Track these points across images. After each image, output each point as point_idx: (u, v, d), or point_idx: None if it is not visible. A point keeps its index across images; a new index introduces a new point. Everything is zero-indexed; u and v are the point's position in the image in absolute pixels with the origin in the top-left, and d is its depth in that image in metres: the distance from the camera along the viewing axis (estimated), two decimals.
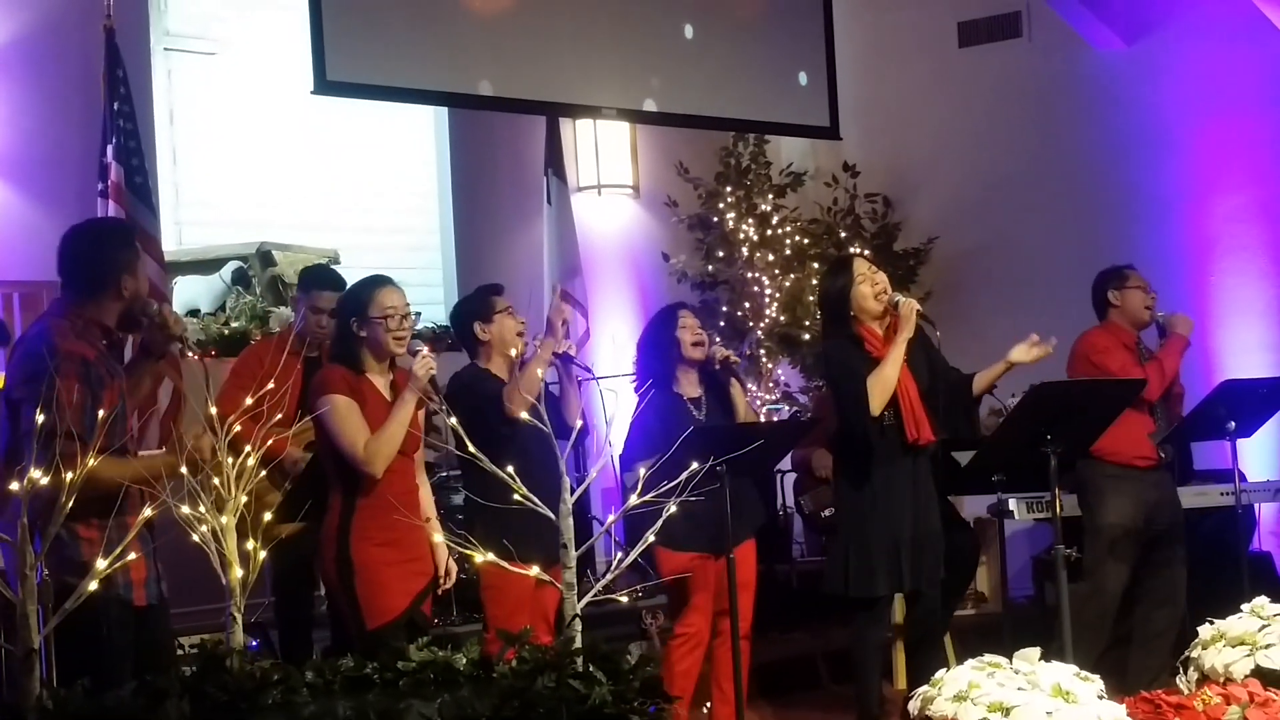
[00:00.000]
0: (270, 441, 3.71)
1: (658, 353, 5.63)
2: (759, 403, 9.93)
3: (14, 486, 3.31)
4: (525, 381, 5.09)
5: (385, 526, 4.64)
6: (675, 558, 5.36)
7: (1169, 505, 6.43)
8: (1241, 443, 6.41)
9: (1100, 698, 4.19)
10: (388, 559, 4.70)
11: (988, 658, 4.35)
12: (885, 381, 5.52)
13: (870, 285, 5.66)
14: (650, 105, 8.70)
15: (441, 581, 4.92)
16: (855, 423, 5.63)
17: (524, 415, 4.96)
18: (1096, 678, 4.22)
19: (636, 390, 5.60)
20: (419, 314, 4.96)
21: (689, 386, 5.63)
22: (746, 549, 5.62)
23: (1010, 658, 4.35)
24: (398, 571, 4.72)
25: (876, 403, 5.52)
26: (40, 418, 3.52)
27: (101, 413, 3.88)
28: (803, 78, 9.32)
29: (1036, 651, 4.35)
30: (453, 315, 5.66)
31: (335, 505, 4.74)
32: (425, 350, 4.86)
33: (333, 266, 7.82)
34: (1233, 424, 6.29)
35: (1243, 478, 6.57)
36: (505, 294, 5.54)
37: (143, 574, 4.15)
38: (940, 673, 4.38)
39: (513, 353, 5.19)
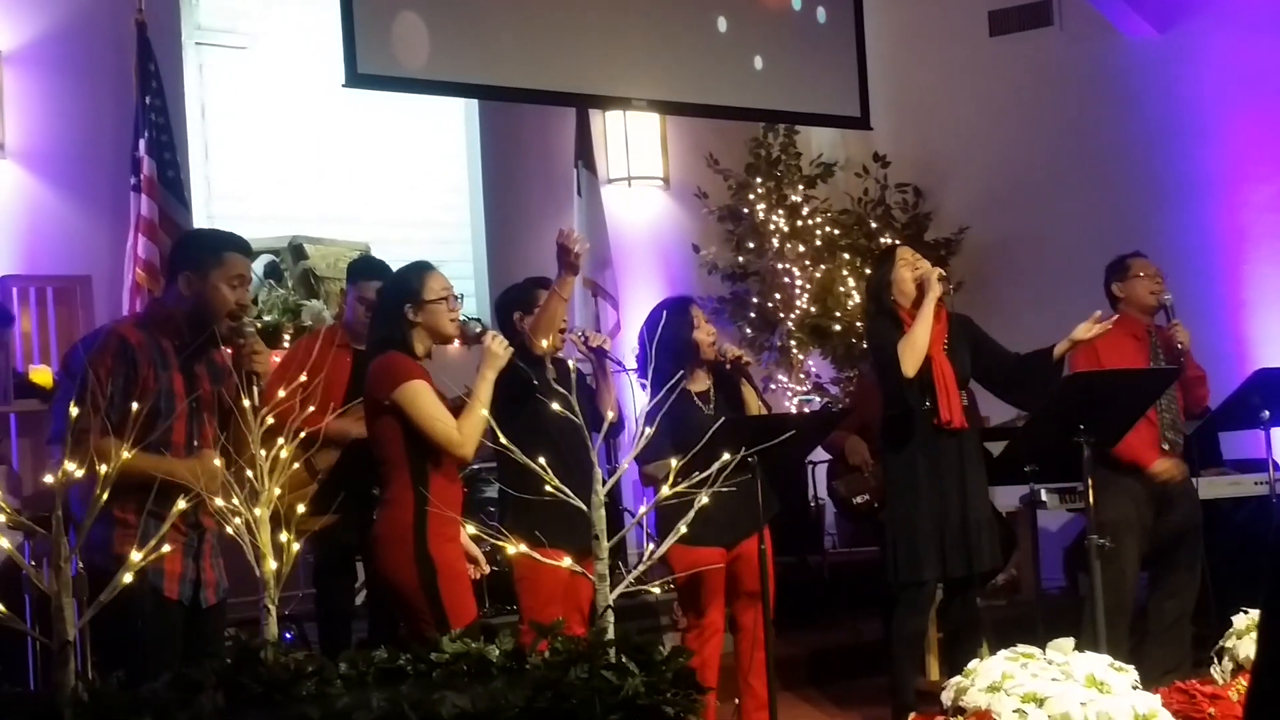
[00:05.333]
0: (304, 433, 3.71)
1: (672, 352, 5.52)
2: (789, 394, 9.92)
3: (48, 479, 3.33)
4: (544, 316, 5.13)
5: (450, 522, 4.57)
6: (688, 553, 5.27)
7: (1182, 498, 6.25)
8: (1276, 431, 6.37)
9: (1134, 688, 4.18)
10: (459, 555, 4.68)
11: (1021, 648, 4.34)
12: (914, 342, 5.60)
13: (910, 270, 5.74)
14: (679, 96, 8.69)
15: (472, 573, 4.92)
16: (893, 390, 5.67)
17: (544, 344, 5.05)
18: (1131, 668, 4.21)
19: (644, 383, 5.51)
20: (462, 296, 4.95)
21: (697, 381, 5.60)
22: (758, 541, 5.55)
23: (1043, 648, 4.34)
24: (464, 569, 4.70)
25: (908, 364, 5.58)
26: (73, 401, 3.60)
27: (135, 403, 3.89)
28: (832, 63, 9.30)
29: (1070, 642, 4.33)
30: (497, 304, 5.66)
31: (403, 501, 4.61)
32: (492, 330, 4.88)
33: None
34: (1266, 413, 6.25)
35: (1277, 467, 6.52)
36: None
37: (177, 568, 4.14)
38: (973, 663, 4.37)
39: (545, 344, 5.18)
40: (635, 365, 5.55)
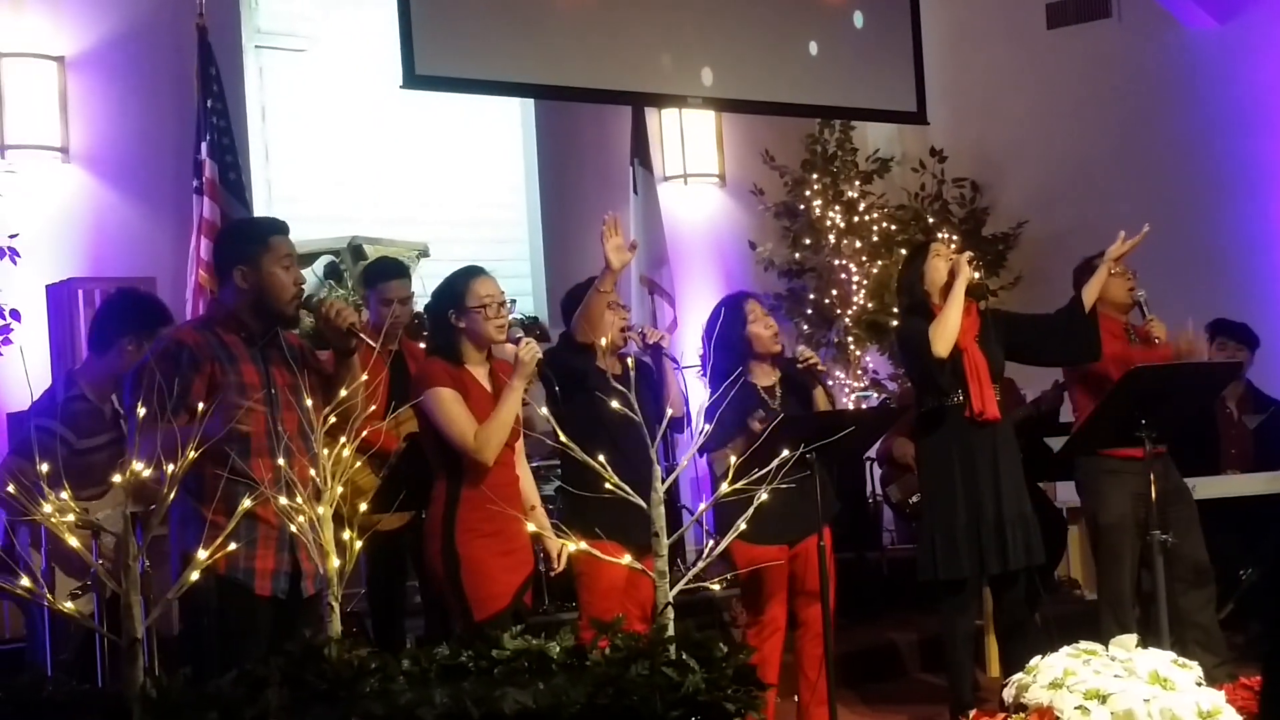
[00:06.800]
0: (365, 432, 3.75)
1: (728, 348, 5.55)
2: (847, 390, 9.90)
3: (115, 478, 3.38)
4: (583, 311, 5.18)
5: (488, 518, 4.63)
6: (749, 550, 5.30)
7: (1175, 494, 6.11)
8: None
9: (1199, 684, 4.15)
10: (492, 550, 4.69)
11: (1083, 645, 4.32)
12: (946, 321, 5.59)
13: (945, 261, 5.74)
14: (735, 93, 8.68)
15: (555, 567, 4.93)
16: (922, 379, 5.66)
17: (603, 343, 5.07)
18: (1195, 664, 4.18)
19: (705, 379, 5.54)
20: (514, 301, 4.96)
21: (762, 375, 5.62)
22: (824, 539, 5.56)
23: (1106, 645, 4.32)
24: (502, 563, 4.71)
25: (940, 344, 5.56)
26: (139, 404, 3.65)
27: (200, 403, 3.93)
28: (886, 60, 9.27)
29: (1133, 638, 4.31)
30: (563, 302, 5.69)
31: (440, 497, 4.73)
32: (526, 337, 4.88)
33: (420, 259, 7.93)
34: None
35: None
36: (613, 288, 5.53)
37: (269, 565, 4.19)
38: (1036, 660, 4.35)
39: (603, 342, 5.21)
40: (698, 363, 5.57)
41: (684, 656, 3.22)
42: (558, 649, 3.35)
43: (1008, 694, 4.35)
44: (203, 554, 3.39)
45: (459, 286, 4.82)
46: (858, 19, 9.10)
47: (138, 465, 3.30)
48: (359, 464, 3.68)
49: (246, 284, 4.27)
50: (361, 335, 4.33)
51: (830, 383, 9.94)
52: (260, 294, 4.27)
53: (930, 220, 10.14)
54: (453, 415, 4.66)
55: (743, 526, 3.56)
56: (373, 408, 4.04)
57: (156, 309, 5.28)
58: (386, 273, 6.12)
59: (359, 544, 3.50)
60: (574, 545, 3.60)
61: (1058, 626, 6.41)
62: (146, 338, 5.07)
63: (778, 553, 5.39)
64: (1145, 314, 6.17)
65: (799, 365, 5.60)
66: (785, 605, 5.55)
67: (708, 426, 3.65)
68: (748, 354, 5.59)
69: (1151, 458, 5.49)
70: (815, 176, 10.06)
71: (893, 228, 10.14)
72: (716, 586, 3.95)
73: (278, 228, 4.40)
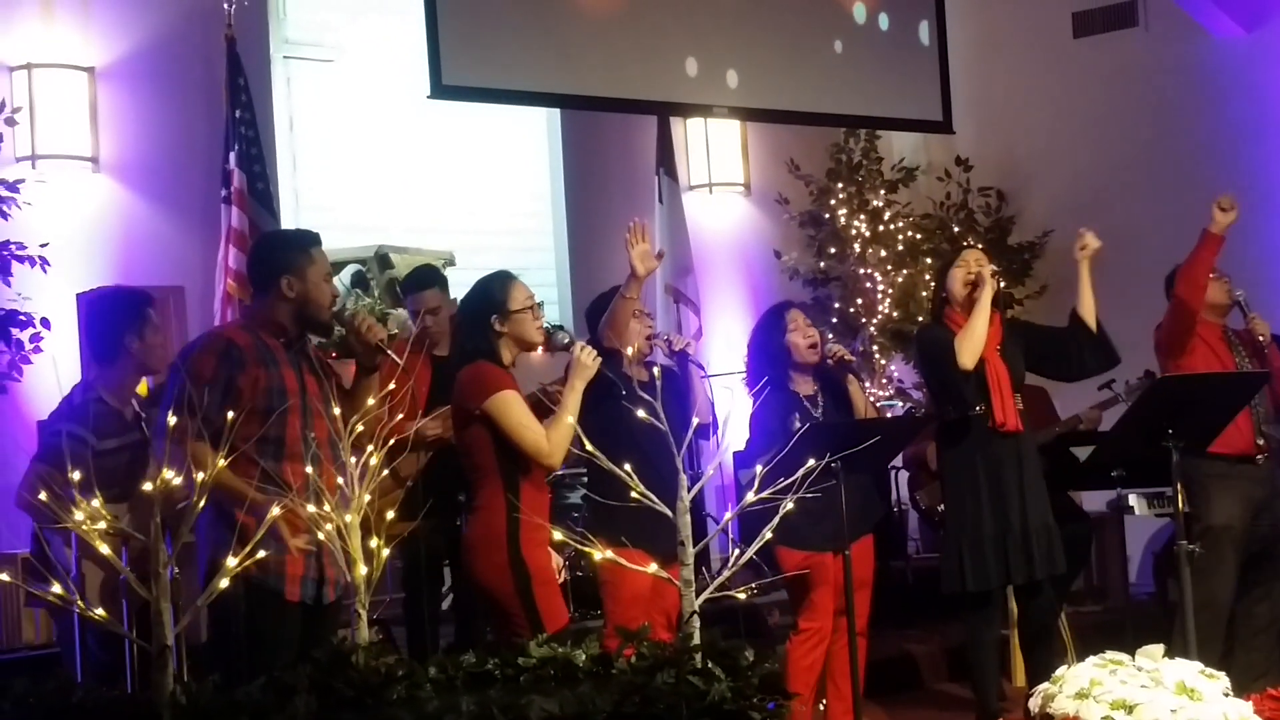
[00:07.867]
0: (392, 441, 3.76)
1: (767, 356, 5.62)
2: (872, 399, 9.89)
3: (146, 486, 3.39)
4: (609, 318, 5.18)
5: (540, 528, 4.55)
6: (795, 555, 5.38)
7: (1274, 500, 6.13)
8: None
9: (1225, 695, 4.14)
10: (550, 560, 4.67)
11: (1110, 655, 4.30)
12: (972, 332, 5.58)
13: (964, 270, 5.73)
14: (760, 101, 8.69)
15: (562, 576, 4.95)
16: (943, 390, 5.66)
17: (629, 351, 5.08)
18: (1222, 674, 4.17)
19: (750, 390, 5.59)
20: (542, 303, 4.97)
21: (803, 384, 5.65)
22: (865, 545, 5.61)
23: (1133, 655, 4.31)
24: (554, 572, 4.70)
25: (966, 355, 5.55)
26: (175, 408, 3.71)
27: (243, 402, 3.99)
28: (914, 70, 9.27)
29: (1160, 649, 4.29)
30: (586, 312, 5.70)
31: (495, 506, 4.62)
32: (580, 341, 4.88)
33: (446, 268, 7.96)
34: None
35: None
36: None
37: (299, 570, 4.20)
38: (1061, 670, 4.35)
39: (629, 351, 5.21)
40: (726, 370, 5.59)
41: (710, 665, 3.22)
42: (584, 657, 3.36)
43: (1033, 704, 4.34)
44: (232, 561, 3.40)
45: (499, 291, 4.77)
46: (882, 21, 9.11)
47: (168, 472, 3.31)
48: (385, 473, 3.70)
49: (293, 292, 4.33)
50: (389, 353, 4.37)
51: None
52: (305, 303, 4.34)
53: (955, 229, 10.13)
54: (524, 419, 4.60)
55: (768, 535, 3.55)
56: (400, 416, 4.05)
57: (139, 296, 5.33)
58: (416, 283, 6.15)
59: (386, 552, 3.51)
60: (599, 554, 3.60)
61: (1086, 635, 6.40)
62: (143, 325, 5.11)
63: (826, 560, 5.40)
64: (1246, 313, 6.16)
65: (829, 361, 5.61)
66: (832, 611, 5.54)
67: (732, 441, 3.66)
68: (787, 363, 5.61)
69: (1178, 466, 5.47)
70: (840, 185, 10.06)
71: (918, 237, 10.13)
72: (742, 595, 3.95)
73: (317, 240, 4.49)
